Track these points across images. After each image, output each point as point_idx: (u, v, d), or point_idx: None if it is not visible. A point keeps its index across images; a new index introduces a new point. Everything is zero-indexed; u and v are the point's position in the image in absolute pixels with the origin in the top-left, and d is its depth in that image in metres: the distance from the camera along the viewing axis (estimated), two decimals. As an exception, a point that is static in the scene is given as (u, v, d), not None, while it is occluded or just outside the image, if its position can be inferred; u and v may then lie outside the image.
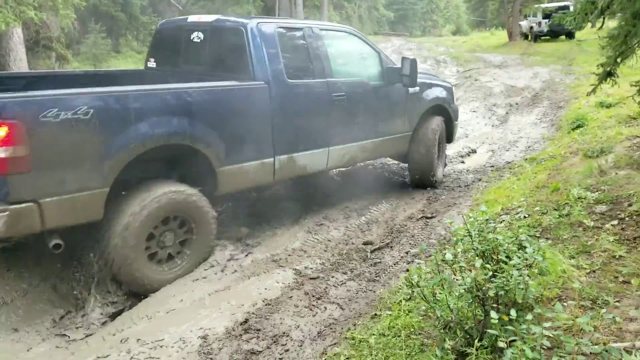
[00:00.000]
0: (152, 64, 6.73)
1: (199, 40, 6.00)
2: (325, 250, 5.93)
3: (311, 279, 5.33)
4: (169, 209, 4.83)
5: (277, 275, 5.36)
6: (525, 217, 5.61)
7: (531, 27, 32.25)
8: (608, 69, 6.82)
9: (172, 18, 7.61)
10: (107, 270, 4.72)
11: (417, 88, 7.19)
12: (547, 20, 30.19)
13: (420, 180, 7.75)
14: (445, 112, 7.91)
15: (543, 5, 32.37)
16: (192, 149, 4.97)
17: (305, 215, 6.91)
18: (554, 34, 31.32)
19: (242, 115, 5.33)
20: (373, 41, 7.39)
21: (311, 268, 5.54)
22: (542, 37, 31.80)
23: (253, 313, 4.70)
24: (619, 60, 6.69)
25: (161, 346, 4.08)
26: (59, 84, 5.67)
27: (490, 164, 9.23)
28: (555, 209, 5.53)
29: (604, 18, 6.57)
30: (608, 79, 6.98)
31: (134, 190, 4.78)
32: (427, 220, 6.76)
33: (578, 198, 5.57)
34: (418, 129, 7.46)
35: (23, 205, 4.00)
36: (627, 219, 4.94)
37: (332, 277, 5.38)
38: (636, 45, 6.52)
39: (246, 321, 4.58)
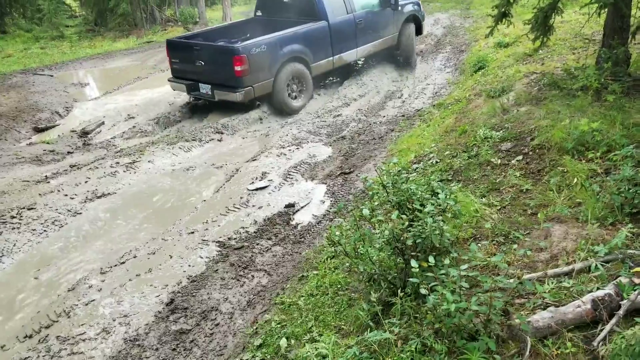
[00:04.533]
0: (259, 13, 11.85)
1: (287, 0, 11.14)
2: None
3: (236, 249, 5.25)
4: (294, 73, 9.84)
5: (201, 250, 5.24)
6: (437, 162, 5.76)
7: (429, -26, 32.77)
8: (503, 9, 7.00)
9: None
10: (275, 103, 9.73)
11: (399, 7, 12.08)
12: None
13: (406, 60, 12.51)
14: (417, 18, 12.79)
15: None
16: (301, 57, 9.96)
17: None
18: (451, -21, 32.00)
19: (317, 38, 10.28)
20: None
21: (234, 238, 5.45)
22: (440, -17, 32.40)
23: (178, 292, 4.58)
24: (511, 0, 6.89)
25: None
26: (236, 33, 11.27)
27: (401, 113, 9.36)
28: (464, 151, 5.70)
29: (494, -41, 6.69)
30: (503, 20, 7.18)
31: (282, 68, 9.59)
32: (346, 176, 6.81)
33: (484, 138, 5.77)
34: (402, 31, 12.28)
35: (248, 88, 9.05)
36: (530, 153, 5.18)
37: (257, 244, 5.33)
38: (526, -16, 6.73)
39: (172, 301, 4.46)
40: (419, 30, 13.05)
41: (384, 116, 9.34)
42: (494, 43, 10.99)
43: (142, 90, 11.82)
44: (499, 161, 5.19)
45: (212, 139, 8.56)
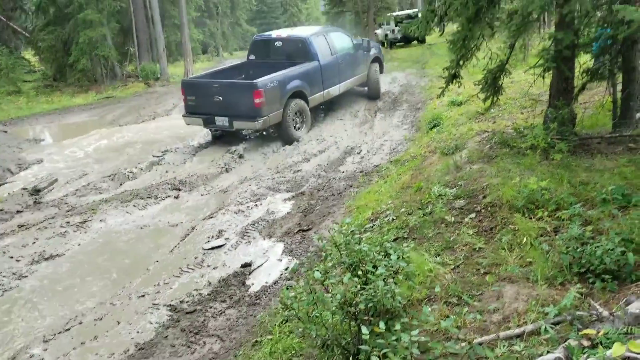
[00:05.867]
0: (252, 57, 13.58)
1: (279, 45, 13.11)
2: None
3: (187, 313, 5.07)
4: (297, 108, 11.53)
5: (151, 315, 5.04)
6: (393, 219, 5.78)
7: (386, 35, 33.83)
8: (452, 71, 7.26)
9: (262, 34, 15.49)
10: (282, 132, 11.47)
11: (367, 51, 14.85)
12: (399, 27, 31.86)
13: (373, 94, 15.12)
14: (379, 59, 15.61)
15: (394, 14, 34.20)
16: (302, 91, 11.68)
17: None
18: (407, 40, 33.06)
19: (312, 75, 12.22)
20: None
21: (187, 301, 5.27)
22: (397, 44, 33.49)
23: (125, 361, 4.36)
24: (461, 62, 7.15)
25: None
26: (232, 74, 12.95)
27: (359, 169, 9.46)
28: (420, 208, 5.75)
29: (444, 24, 6.97)
30: (454, 81, 7.44)
31: (289, 102, 11.26)
32: (304, 233, 6.76)
33: (439, 195, 5.83)
34: (370, 69, 14.89)
35: (265, 117, 10.66)
36: (482, 210, 5.25)
37: (211, 307, 5.17)
38: (474, 48, 7.02)
39: (118, 371, 4.24)
40: (381, 69, 15.83)
41: (343, 172, 9.42)
42: (448, 101, 11.35)
43: (98, 147, 11.65)
44: (453, 219, 5.24)
45: (169, 196, 8.42)
